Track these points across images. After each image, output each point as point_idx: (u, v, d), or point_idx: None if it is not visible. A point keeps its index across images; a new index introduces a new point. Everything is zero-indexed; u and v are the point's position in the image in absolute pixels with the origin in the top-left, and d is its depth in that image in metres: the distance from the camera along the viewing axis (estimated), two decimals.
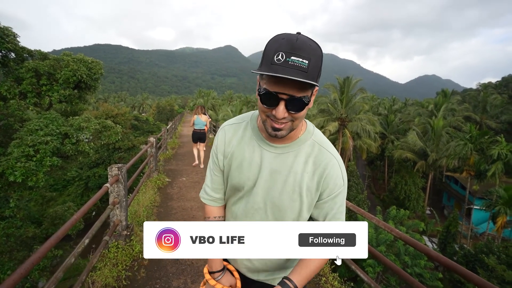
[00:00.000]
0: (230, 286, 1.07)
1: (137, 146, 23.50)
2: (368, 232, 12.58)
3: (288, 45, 0.74)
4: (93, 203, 2.07)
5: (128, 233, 2.92)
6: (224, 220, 1.10)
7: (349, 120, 24.83)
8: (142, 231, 3.35)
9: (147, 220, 3.60)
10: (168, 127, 11.01)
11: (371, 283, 2.13)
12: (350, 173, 19.99)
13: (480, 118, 34.45)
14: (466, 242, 20.79)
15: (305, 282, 0.90)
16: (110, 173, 2.72)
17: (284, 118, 0.80)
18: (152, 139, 5.60)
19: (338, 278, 2.65)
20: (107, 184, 2.47)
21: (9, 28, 8.83)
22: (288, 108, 0.78)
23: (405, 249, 12.53)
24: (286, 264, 1.06)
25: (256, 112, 0.99)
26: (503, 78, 63.94)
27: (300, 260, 0.93)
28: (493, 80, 66.28)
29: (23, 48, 9.47)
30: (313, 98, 0.84)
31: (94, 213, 21.65)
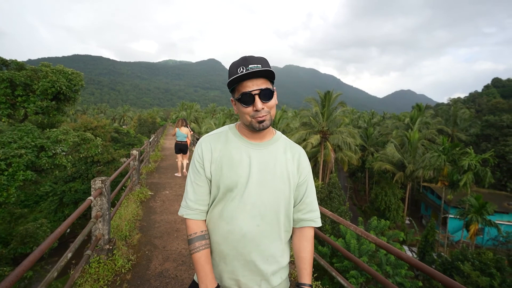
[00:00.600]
0: None
1: (117, 159, 22.78)
2: (351, 243, 12.81)
3: (243, 61, 1.00)
4: (77, 215, 2.03)
5: (111, 247, 2.85)
6: (207, 236, 1.08)
7: (330, 133, 25.53)
8: (124, 245, 3.27)
9: (129, 234, 3.54)
10: (150, 140, 10.85)
11: None
12: (332, 185, 20.37)
13: (452, 131, 36.55)
14: (443, 250, 21.53)
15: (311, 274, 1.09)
16: (93, 186, 2.68)
17: (263, 109, 0.99)
18: (134, 151, 5.53)
19: (321, 286, 2.71)
20: (91, 197, 2.43)
21: None
22: (261, 99, 0.99)
23: (387, 259, 12.80)
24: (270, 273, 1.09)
25: (232, 124, 1.16)
26: (470, 94, 68.85)
27: (298, 259, 1.10)
28: (462, 96, 71.07)
29: None
30: (275, 94, 1.05)
31: (69, 230, 20.50)
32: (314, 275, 2.67)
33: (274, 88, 1.04)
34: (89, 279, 2.47)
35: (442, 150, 21.66)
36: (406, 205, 29.28)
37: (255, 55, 1.02)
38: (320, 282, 2.77)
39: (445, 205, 24.59)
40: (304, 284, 1.04)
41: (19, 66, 9.71)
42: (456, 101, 59.56)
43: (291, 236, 1.17)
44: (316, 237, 15.44)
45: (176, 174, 7.99)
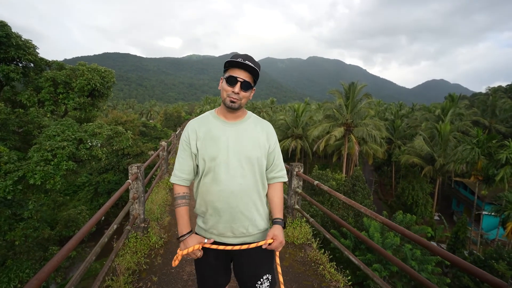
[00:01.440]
0: (199, 243, 1.35)
1: (145, 152, 24.03)
2: (374, 236, 12.66)
3: (245, 56, 1.34)
4: (118, 195, 2.38)
5: (146, 225, 3.23)
6: (189, 195, 1.47)
7: (354, 126, 24.95)
8: (156, 225, 3.65)
9: (160, 217, 3.92)
10: (177, 133, 11.40)
11: (383, 285, 2.18)
12: (355, 178, 20.01)
13: (489, 123, 34.07)
14: (476, 248, 20.47)
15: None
16: (130, 171, 3.04)
17: (238, 94, 1.31)
18: (163, 143, 5.94)
19: (335, 266, 2.88)
20: (129, 180, 2.78)
21: (30, 41, 9.42)
22: (241, 87, 1.31)
23: (412, 254, 12.51)
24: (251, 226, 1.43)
25: (212, 110, 1.49)
26: None
27: (271, 203, 1.48)
28: (504, 84, 65.37)
29: (42, 59, 10.07)
30: (252, 92, 1.39)
31: (103, 218, 22.14)
32: (348, 277, 2.82)
33: (254, 88, 1.40)
34: (128, 251, 2.85)
35: (476, 142, 20.37)
36: (435, 200, 28.01)
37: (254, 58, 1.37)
38: (350, 283, 2.83)
39: (479, 201, 23.21)
40: (277, 219, 1.42)
41: (59, 66, 10.59)
42: (496, 90, 54.94)
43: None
44: (339, 229, 15.31)
45: None
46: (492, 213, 18.26)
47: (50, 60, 10.65)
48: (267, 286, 1.42)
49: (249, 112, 1.50)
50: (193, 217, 1.67)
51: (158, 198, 4.61)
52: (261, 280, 1.41)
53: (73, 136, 9.02)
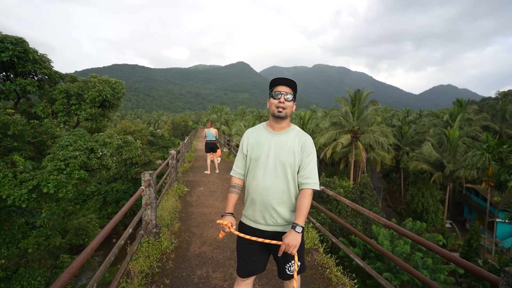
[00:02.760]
0: (230, 222, 1.69)
1: (153, 161, 24.35)
2: (383, 244, 12.47)
3: (282, 77, 1.68)
4: (134, 200, 2.51)
5: (157, 231, 3.34)
6: (240, 186, 1.84)
7: (361, 132, 24.85)
8: (168, 230, 3.76)
9: (171, 223, 4.03)
10: (185, 141, 11.60)
11: None
12: (363, 185, 19.82)
13: (500, 127, 33.48)
14: (490, 257, 19.87)
15: (305, 220, 1.61)
16: (143, 178, 3.18)
17: (283, 103, 1.64)
18: (173, 151, 6.11)
19: (341, 270, 2.92)
20: (142, 187, 2.91)
21: (45, 55, 9.85)
22: (285, 98, 1.64)
23: (423, 262, 12.24)
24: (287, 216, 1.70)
25: (264, 122, 1.82)
26: None
27: (297, 209, 1.62)
28: None
29: (56, 72, 10.48)
30: (294, 105, 1.71)
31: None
32: (354, 281, 2.87)
33: (295, 103, 1.73)
34: (141, 256, 2.96)
35: (486, 148, 20.03)
36: (446, 208, 27.40)
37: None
38: (357, 286, 2.87)
39: (492, 207, 22.63)
40: (297, 224, 1.54)
41: (72, 78, 11.00)
42: (506, 94, 54.02)
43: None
44: (347, 237, 15.11)
45: (205, 172, 8.53)
46: (506, 220, 17.78)
47: (64, 73, 11.07)
48: (295, 268, 1.64)
49: (294, 126, 1.79)
50: (240, 203, 1.85)
51: (168, 205, 4.73)
52: (290, 263, 1.68)
53: (84, 146, 9.29)
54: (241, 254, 1.73)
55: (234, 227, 1.71)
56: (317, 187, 1.66)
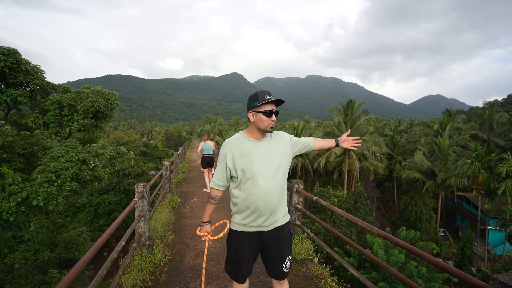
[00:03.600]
0: (206, 232, 1.94)
1: (146, 172, 24.05)
2: (378, 253, 12.45)
3: (267, 92, 1.78)
4: (127, 212, 2.49)
5: (150, 243, 3.29)
6: (219, 198, 1.92)
7: None
8: (161, 243, 3.71)
9: (164, 235, 3.98)
10: (178, 152, 11.55)
11: None
12: (357, 195, 19.91)
13: (488, 136, 34.31)
14: (483, 265, 19.97)
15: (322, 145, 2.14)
16: (137, 190, 3.16)
17: (274, 121, 1.76)
18: (166, 162, 6.08)
19: (336, 280, 2.92)
20: (136, 198, 2.89)
21: (37, 66, 9.82)
22: (275, 115, 1.78)
23: (418, 271, 12.23)
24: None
25: (241, 131, 1.89)
26: (508, 95, 64.06)
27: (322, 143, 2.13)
28: (499, 98, 66.30)
29: (49, 83, 10.43)
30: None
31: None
32: (342, 281, 2.94)
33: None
34: (134, 269, 2.91)
35: (475, 156, 20.47)
36: (439, 216, 27.63)
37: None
38: (335, 277, 2.95)
39: (483, 215, 22.92)
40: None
41: (65, 89, 10.94)
42: (492, 104, 55.66)
43: None
44: (342, 247, 15.03)
45: (205, 190, 7.76)
46: (497, 228, 18.00)
47: (56, 84, 11.02)
48: (290, 264, 1.87)
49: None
50: (216, 212, 2.03)
51: (161, 217, 4.68)
52: (286, 260, 1.84)
53: (76, 157, 9.17)
54: (241, 259, 1.81)
55: (211, 234, 1.96)
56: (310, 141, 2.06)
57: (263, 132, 1.80)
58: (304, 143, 2.00)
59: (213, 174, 8.09)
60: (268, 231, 1.80)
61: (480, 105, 63.52)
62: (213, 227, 2.05)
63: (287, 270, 1.85)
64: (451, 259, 20.76)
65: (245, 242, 1.80)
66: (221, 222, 2.19)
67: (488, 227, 21.76)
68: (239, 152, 1.78)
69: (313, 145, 2.04)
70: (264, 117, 1.75)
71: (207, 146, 7.69)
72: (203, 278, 1.96)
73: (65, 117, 10.22)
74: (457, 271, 1.71)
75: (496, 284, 1.30)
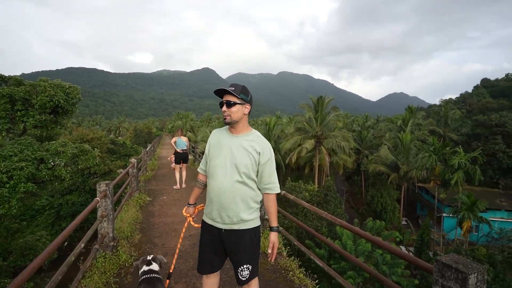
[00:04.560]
0: (189, 214, 2.06)
1: (114, 170, 22.88)
2: (347, 244, 13.07)
3: (230, 85, 1.76)
4: (87, 213, 2.35)
5: (115, 244, 3.15)
6: (204, 182, 1.97)
7: (324, 137, 25.99)
8: (126, 244, 3.57)
9: (131, 235, 3.83)
10: (147, 149, 11.14)
11: None
12: (327, 188, 20.65)
13: (443, 131, 37.29)
14: (439, 249, 21.83)
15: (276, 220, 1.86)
16: (98, 189, 3.00)
17: (225, 111, 1.73)
18: (133, 160, 5.83)
19: (304, 271, 3.02)
20: (97, 198, 2.74)
21: None
22: (226, 106, 1.72)
23: (383, 259, 13.04)
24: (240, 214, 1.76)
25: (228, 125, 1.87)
26: (461, 94, 70.27)
27: (267, 213, 1.85)
28: (454, 97, 72.46)
29: None
30: (241, 108, 1.75)
31: (66, 243, 20.44)
32: (316, 281, 3.02)
33: (246, 105, 1.78)
34: (96, 272, 2.77)
35: (433, 150, 22.19)
36: (402, 206, 29.64)
37: (239, 84, 1.78)
38: (319, 286, 3.03)
39: (439, 204, 25.00)
40: (272, 227, 1.82)
41: (17, 82, 10.00)
42: (447, 102, 60.64)
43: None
44: (313, 239, 15.58)
45: (174, 187, 7.52)
46: (450, 215, 19.73)
47: (7, 75, 10.04)
48: (247, 274, 1.77)
49: (254, 131, 1.86)
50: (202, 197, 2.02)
51: (128, 216, 4.49)
52: (242, 267, 1.76)
53: (32, 156, 8.47)
54: (202, 249, 1.85)
55: (194, 217, 2.08)
56: (278, 190, 1.81)
57: (227, 124, 1.80)
58: (265, 179, 1.78)
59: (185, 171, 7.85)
60: (225, 231, 1.76)
61: (438, 103, 68.93)
62: (196, 211, 2.10)
63: (244, 279, 1.77)
64: (412, 246, 22.44)
65: (206, 233, 1.83)
66: (202, 206, 2.14)
67: (443, 215, 23.81)
68: (214, 142, 1.85)
69: (268, 193, 1.81)
70: (221, 109, 1.78)
71: (181, 141, 7.49)
72: (175, 256, 2.09)
73: (18, 113, 9.36)
74: (409, 256, 1.86)
75: (439, 264, 1.43)
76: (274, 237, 1.78)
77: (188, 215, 2.05)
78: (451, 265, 1.35)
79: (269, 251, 1.78)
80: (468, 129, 36.71)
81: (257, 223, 1.83)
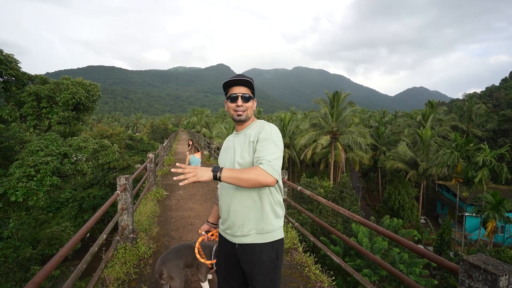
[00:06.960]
0: (204, 234, 1.78)
1: (132, 165, 23.61)
2: (363, 241, 12.86)
3: (236, 75, 1.50)
4: (108, 205, 2.43)
5: (134, 236, 3.26)
6: None
7: (340, 133, 25.53)
8: (145, 236, 3.67)
9: (149, 228, 3.94)
10: (164, 145, 11.37)
11: None
12: (343, 185, 20.35)
13: (467, 127, 35.66)
14: (460, 249, 21.04)
15: (231, 178, 1.29)
16: (118, 182, 3.09)
17: (241, 106, 1.48)
18: (151, 155, 5.97)
19: (320, 268, 3.00)
20: (118, 191, 2.84)
21: (11, 55, 9.31)
22: (242, 100, 1.48)
23: (400, 257, 12.74)
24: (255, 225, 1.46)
25: None
26: (486, 88, 66.72)
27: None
28: (478, 90, 68.98)
29: (24, 74, 9.93)
30: (254, 103, 1.56)
31: (88, 234, 21.39)
32: (332, 278, 2.92)
33: (255, 99, 1.58)
34: (117, 262, 2.87)
35: (455, 146, 21.28)
36: (421, 204, 28.74)
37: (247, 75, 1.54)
38: (335, 283, 2.98)
39: (461, 202, 24.03)
40: (220, 169, 1.28)
41: (43, 80, 10.46)
42: (471, 96, 57.74)
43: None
44: (328, 236, 15.44)
45: None
46: (473, 214, 18.93)
47: (33, 74, 10.51)
48: None
49: (258, 121, 1.57)
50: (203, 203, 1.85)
51: (146, 209, 4.62)
52: None
53: (57, 151, 8.86)
54: (219, 268, 1.60)
55: (205, 236, 1.79)
56: (269, 170, 1.31)
57: (236, 122, 1.54)
58: (257, 154, 1.40)
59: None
60: (240, 245, 1.46)
61: (460, 97, 65.87)
62: (209, 234, 1.79)
63: None
64: (431, 245, 21.75)
65: (222, 246, 1.58)
66: (216, 231, 1.84)
67: (465, 214, 22.86)
68: (223, 148, 1.65)
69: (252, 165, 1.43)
70: (229, 104, 1.50)
71: (195, 159, 6.86)
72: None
73: (44, 110, 9.81)
74: (432, 255, 1.79)
75: (466, 265, 1.37)
76: (203, 170, 1.28)
77: (201, 232, 1.78)
78: (479, 265, 1.29)
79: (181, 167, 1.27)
80: (495, 125, 34.87)
81: (276, 235, 1.48)
